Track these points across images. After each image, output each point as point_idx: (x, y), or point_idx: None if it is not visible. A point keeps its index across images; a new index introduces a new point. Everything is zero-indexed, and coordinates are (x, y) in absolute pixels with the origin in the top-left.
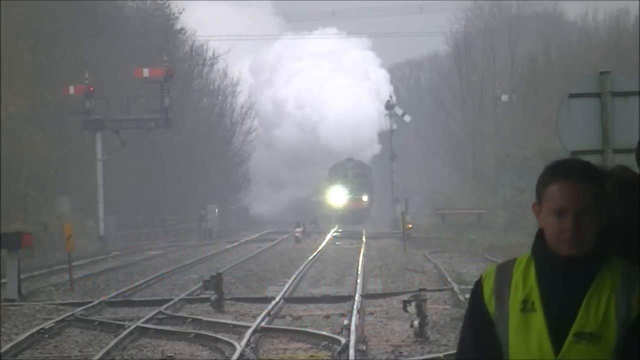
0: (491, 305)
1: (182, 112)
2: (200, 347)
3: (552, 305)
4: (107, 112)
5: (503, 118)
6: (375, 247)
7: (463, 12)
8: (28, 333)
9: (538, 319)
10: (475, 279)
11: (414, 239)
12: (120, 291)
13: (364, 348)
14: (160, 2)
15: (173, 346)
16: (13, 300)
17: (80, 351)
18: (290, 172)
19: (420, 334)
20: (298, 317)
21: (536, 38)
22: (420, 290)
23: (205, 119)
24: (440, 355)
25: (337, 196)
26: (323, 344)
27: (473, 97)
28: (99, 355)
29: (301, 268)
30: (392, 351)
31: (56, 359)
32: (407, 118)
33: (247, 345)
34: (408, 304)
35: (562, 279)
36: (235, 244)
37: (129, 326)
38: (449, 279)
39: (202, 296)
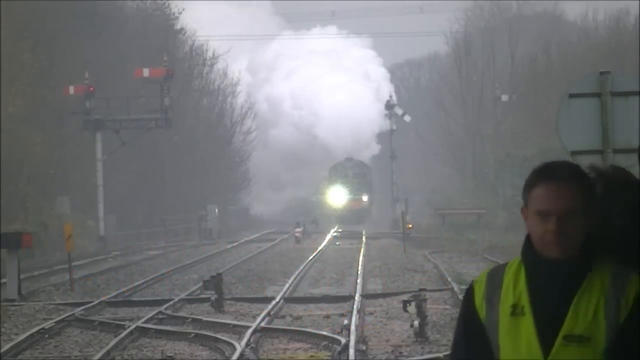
0: (482, 310)
1: (182, 112)
2: (200, 347)
3: (541, 308)
4: (107, 112)
5: (503, 118)
6: (375, 247)
7: (463, 12)
8: (28, 333)
9: (527, 323)
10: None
11: (414, 239)
12: (120, 291)
13: (364, 348)
14: (160, 2)
15: (173, 346)
16: (13, 300)
17: (80, 351)
18: (289, 172)
19: (420, 334)
20: (298, 317)
21: (536, 38)
22: (420, 290)
23: (205, 119)
24: (440, 355)
25: (337, 196)
26: (323, 344)
27: (473, 97)
28: (99, 355)
29: (301, 268)
30: (392, 351)
31: (56, 359)
32: (407, 118)
33: (247, 345)
34: (408, 304)
35: (550, 282)
36: (235, 244)
37: (129, 326)
38: (449, 279)
39: (202, 296)
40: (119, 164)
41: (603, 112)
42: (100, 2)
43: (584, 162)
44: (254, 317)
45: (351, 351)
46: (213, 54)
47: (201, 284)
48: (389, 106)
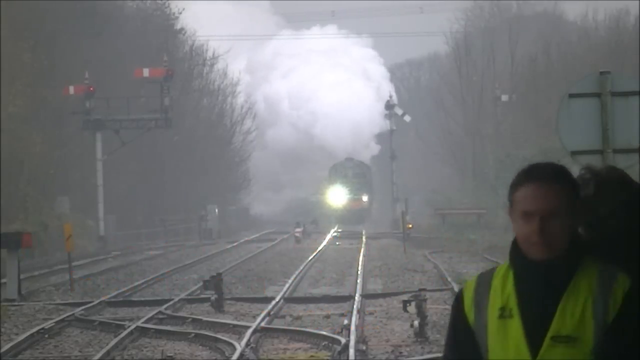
0: (471, 314)
1: (182, 112)
2: (200, 347)
3: (528, 310)
4: (107, 112)
5: (503, 118)
6: (375, 247)
7: (463, 12)
8: (28, 333)
9: (515, 325)
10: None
11: (414, 239)
12: (120, 291)
13: (364, 348)
14: (160, 2)
15: (173, 346)
16: (13, 300)
17: (80, 351)
18: (289, 172)
19: (420, 334)
20: (298, 317)
21: (536, 38)
22: (420, 290)
23: (205, 119)
24: (440, 355)
25: (337, 196)
26: (323, 344)
27: (473, 97)
28: (99, 355)
29: (301, 268)
30: (392, 351)
31: (56, 359)
32: (407, 118)
33: (247, 345)
34: (408, 304)
35: (537, 283)
36: (235, 244)
37: (129, 326)
38: (449, 279)
39: (202, 296)
40: (119, 164)
41: (603, 112)
42: (100, 2)
43: (584, 162)
44: (254, 317)
45: (351, 351)
46: (213, 54)
47: (201, 284)
48: (389, 106)
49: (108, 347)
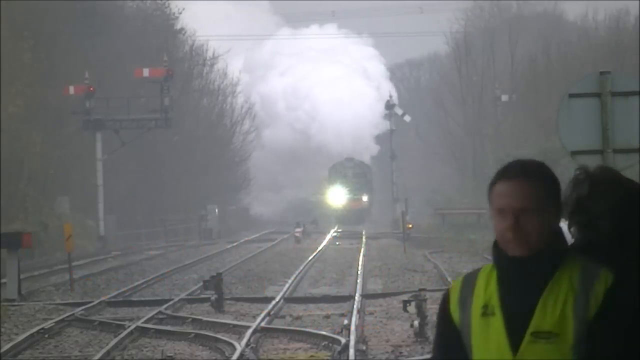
0: (456, 314)
1: (182, 112)
2: (200, 347)
3: (510, 307)
4: (107, 112)
5: (503, 118)
6: (375, 247)
7: (463, 12)
8: (28, 333)
9: (497, 322)
10: None
11: (414, 239)
12: (120, 291)
13: (364, 348)
14: (160, 2)
15: (173, 346)
16: (13, 300)
17: (80, 351)
18: (289, 172)
19: (420, 334)
20: (298, 317)
21: (536, 38)
22: (420, 290)
23: (205, 119)
24: None
25: (337, 196)
26: (323, 344)
27: (473, 97)
28: (99, 355)
29: (301, 268)
30: (392, 351)
31: (56, 359)
32: (407, 118)
33: (247, 345)
34: (408, 304)
35: (518, 280)
36: (235, 244)
37: (129, 326)
38: (449, 279)
39: (202, 296)
40: (119, 164)
41: (603, 112)
42: (100, 2)
43: (584, 162)
44: (254, 317)
45: (351, 351)
46: (213, 54)
47: (201, 284)
48: (389, 106)
49: (108, 347)
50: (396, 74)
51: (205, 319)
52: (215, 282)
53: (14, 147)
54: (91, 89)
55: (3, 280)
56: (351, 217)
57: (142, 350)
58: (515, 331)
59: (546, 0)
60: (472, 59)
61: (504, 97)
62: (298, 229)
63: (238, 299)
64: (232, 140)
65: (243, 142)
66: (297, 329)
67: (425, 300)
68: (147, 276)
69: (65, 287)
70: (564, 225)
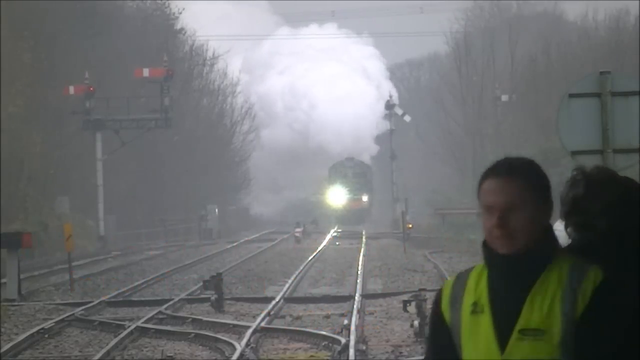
0: (447, 313)
1: (182, 112)
2: (200, 347)
3: (499, 304)
4: (107, 112)
5: (503, 118)
6: (375, 247)
7: (463, 12)
8: (28, 333)
9: (486, 320)
10: None
11: (414, 239)
12: (120, 291)
13: (364, 348)
14: (160, 2)
15: (173, 346)
16: (13, 300)
17: (80, 351)
18: (288, 171)
19: (420, 334)
20: (298, 317)
21: (536, 38)
22: (420, 290)
23: (205, 119)
24: None
25: (337, 196)
26: (323, 344)
27: (473, 97)
28: (99, 355)
29: (301, 268)
30: (392, 351)
31: (56, 359)
32: (407, 118)
33: (247, 345)
34: (408, 304)
35: (507, 277)
36: (235, 244)
37: (129, 326)
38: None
39: (202, 296)
40: (119, 164)
41: (603, 112)
42: (100, 2)
43: (584, 162)
44: (254, 317)
45: (351, 351)
46: (213, 54)
47: (201, 284)
48: (389, 106)
49: (108, 347)
50: (396, 73)
51: (205, 319)
52: (215, 282)
53: (14, 147)
54: (91, 89)
55: (3, 280)
56: (351, 217)
57: (142, 350)
58: (504, 328)
59: (546, 0)
60: (472, 59)
61: (504, 97)
62: (298, 229)
63: (238, 299)
64: (232, 140)
65: (243, 142)
66: (297, 329)
67: (425, 300)
68: (147, 276)
69: (65, 287)
70: (560, 225)
